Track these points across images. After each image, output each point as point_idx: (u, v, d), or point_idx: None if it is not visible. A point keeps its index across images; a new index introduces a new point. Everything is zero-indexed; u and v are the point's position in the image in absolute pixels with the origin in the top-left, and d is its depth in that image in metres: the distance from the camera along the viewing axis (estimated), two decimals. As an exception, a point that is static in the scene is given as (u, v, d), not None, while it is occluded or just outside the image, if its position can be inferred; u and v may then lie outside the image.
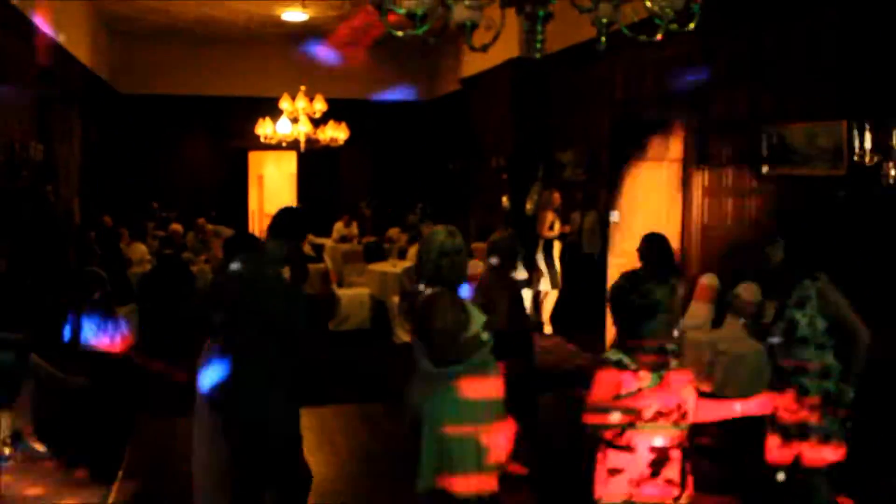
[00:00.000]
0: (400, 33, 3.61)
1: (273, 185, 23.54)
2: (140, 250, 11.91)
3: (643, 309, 3.16)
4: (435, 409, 4.04)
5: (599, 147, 10.56)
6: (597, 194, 10.45)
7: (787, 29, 7.36)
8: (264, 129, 13.71)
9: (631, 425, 3.12)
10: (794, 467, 4.42)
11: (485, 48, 3.88)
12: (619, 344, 3.25)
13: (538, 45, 3.82)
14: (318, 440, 6.80)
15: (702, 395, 3.35)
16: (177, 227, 12.46)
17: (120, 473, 5.85)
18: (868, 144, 6.37)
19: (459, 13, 3.66)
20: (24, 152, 9.81)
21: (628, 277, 3.28)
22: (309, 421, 7.18)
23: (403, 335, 10.30)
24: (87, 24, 13.57)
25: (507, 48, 11.58)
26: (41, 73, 10.66)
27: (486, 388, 4.28)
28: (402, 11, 3.46)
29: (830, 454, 4.33)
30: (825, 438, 4.33)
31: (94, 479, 5.71)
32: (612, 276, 9.12)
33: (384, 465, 6.21)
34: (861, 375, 4.36)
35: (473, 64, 13.94)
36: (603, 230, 10.05)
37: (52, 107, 11.55)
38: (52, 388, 6.65)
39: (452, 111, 15.89)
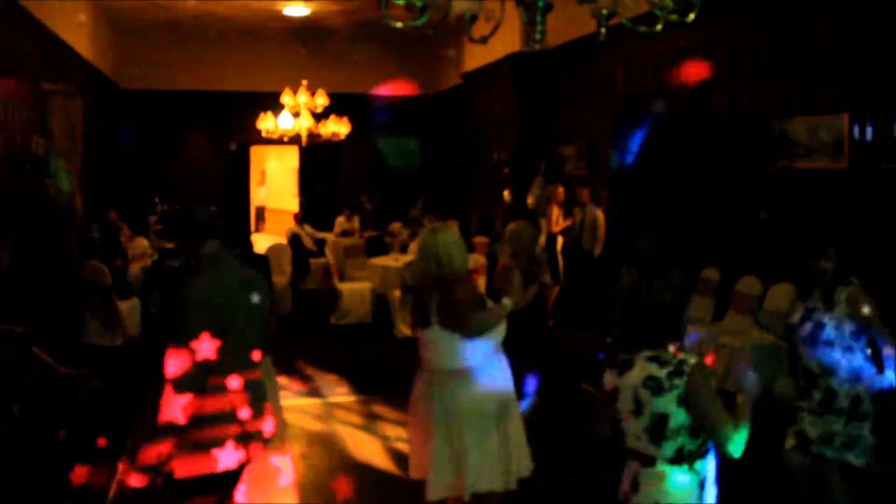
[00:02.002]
0: (399, 24, 3.61)
1: (275, 179, 23.59)
2: (141, 245, 11.92)
3: (675, 306, 2.98)
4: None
5: (601, 141, 10.57)
6: (598, 189, 10.46)
7: (789, 23, 7.37)
8: (266, 123, 13.72)
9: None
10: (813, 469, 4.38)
11: (484, 39, 3.89)
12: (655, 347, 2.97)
13: (538, 37, 3.81)
14: (320, 433, 6.82)
15: None
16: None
17: (120, 466, 5.85)
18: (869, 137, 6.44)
19: (459, 4, 3.66)
20: (26, 146, 9.83)
21: (644, 274, 3.07)
22: (311, 413, 7.26)
23: (405, 329, 10.31)
24: (90, 20, 13.58)
25: (508, 42, 11.61)
26: (43, 68, 10.68)
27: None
28: (402, 2, 3.47)
29: (852, 459, 4.27)
30: (849, 445, 4.27)
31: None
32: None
33: (383, 457, 6.24)
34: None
35: (475, 58, 13.95)
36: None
37: (54, 102, 11.57)
38: (53, 381, 6.65)
39: (454, 105, 15.92)
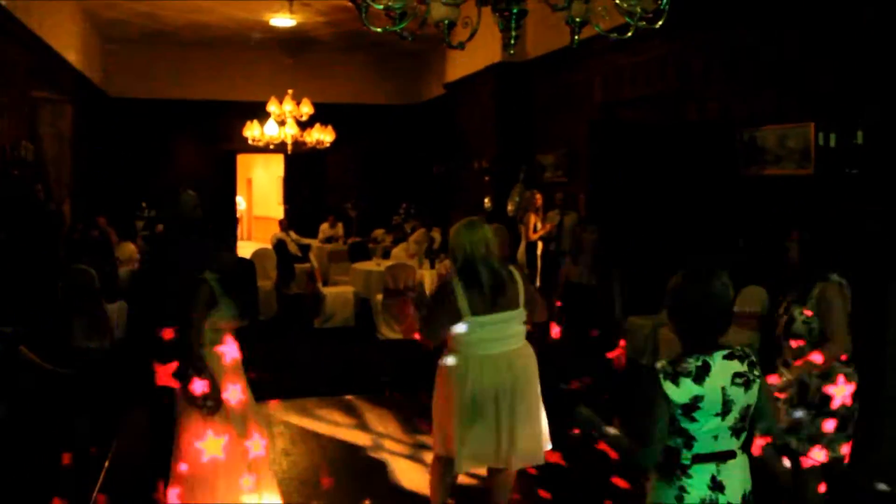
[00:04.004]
0: (378, 29, 3.75)
1: (261, 187, 23.71)
2: (129, 249, 12.04)
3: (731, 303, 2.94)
4: None
5: (578, 149, 10.79)
6: (576, 196, 10.66)
7: (758, 36, 7.61)
8: (252, 131, 13.87)
9: None
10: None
11: (461, 45, 4.06)
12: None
13: (512, 42, 3.97)
14: (302, 431, 6.94)
15: None
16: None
17: (106, 464, 5.92)
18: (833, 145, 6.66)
19: (437, 11, 3.82)
20: (15, 152, 9.95)
21: (709, 266, 2.91)
22: (294, 412, 7.39)
23: (387, 332, 10.50)
24: (78, 28, 13.71)
25: (489, 53, 11.83)
26: (32, 75, 10.81)
27: None
28: (381, 7, 3.62)
29: (818, 454, 4.29)
30: (814, 438, 4.30)
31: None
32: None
33: (365, 454, 6.37)
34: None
35: (457, 69, 14.16)
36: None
37: (43, 109, 11.69)
38: (40, 381, 6.73)
39: (437, 115, 16.13)
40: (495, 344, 4.23)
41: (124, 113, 16.27)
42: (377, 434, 6.79)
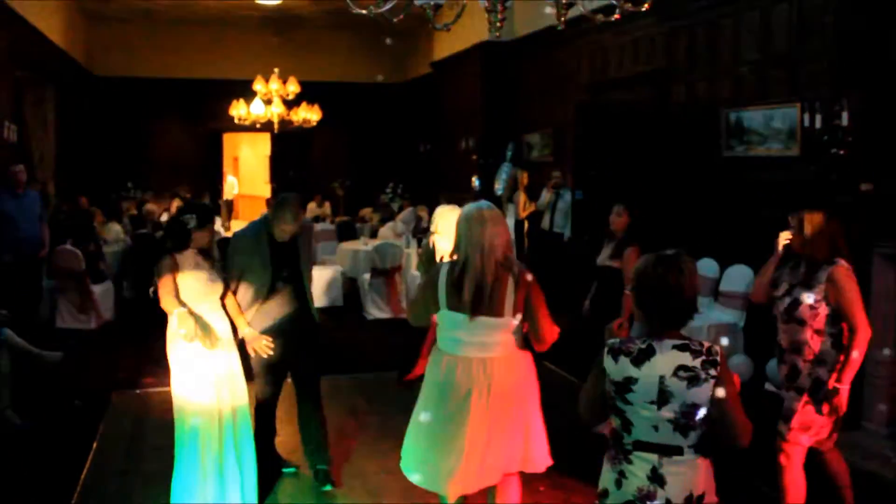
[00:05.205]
0: (363, 11, 3.72)
1: (248, 166, 23.62)
2: (115, 229, 12.00)
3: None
4: None
5: (565, 128, 10.79)
6: (563, 175, 10.69)
7: (744, 17, 7.62)
8: (238, 110, 13.81)
9: None
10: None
11: (447, 27, 4.03)
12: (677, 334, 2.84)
13: (498, 24, 3.93)
14: (287, 410, 6.94)
15: None
16: (152, 207, 12.57)
17: (94, 445, 5.94)
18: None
19: (423, -7, 3.79)
20: (-1, 133, 9.90)
21: (675, 252, 2.85)
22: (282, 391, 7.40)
23: (374, 311, 10.51)
24: (62, 8, 13.59)
25: (476, 32, 11.79)
26: (15, 56, 10.71)
27: None
28: (366, -11, 3.59)
29: (805, 440, 4.22)
30: (804, 426, 4.21)
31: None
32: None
33: (349, 434, 6.37)
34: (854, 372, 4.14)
35: (444, 47, 14.12)
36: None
37: (26, 88, 11.60)
38: (27, 363, 6.72)
39: (424, 94, 16.09)
40: (471, 348, 3.85)
41: (110, 92, 16.17)
42: (363, 415, 6.80)
